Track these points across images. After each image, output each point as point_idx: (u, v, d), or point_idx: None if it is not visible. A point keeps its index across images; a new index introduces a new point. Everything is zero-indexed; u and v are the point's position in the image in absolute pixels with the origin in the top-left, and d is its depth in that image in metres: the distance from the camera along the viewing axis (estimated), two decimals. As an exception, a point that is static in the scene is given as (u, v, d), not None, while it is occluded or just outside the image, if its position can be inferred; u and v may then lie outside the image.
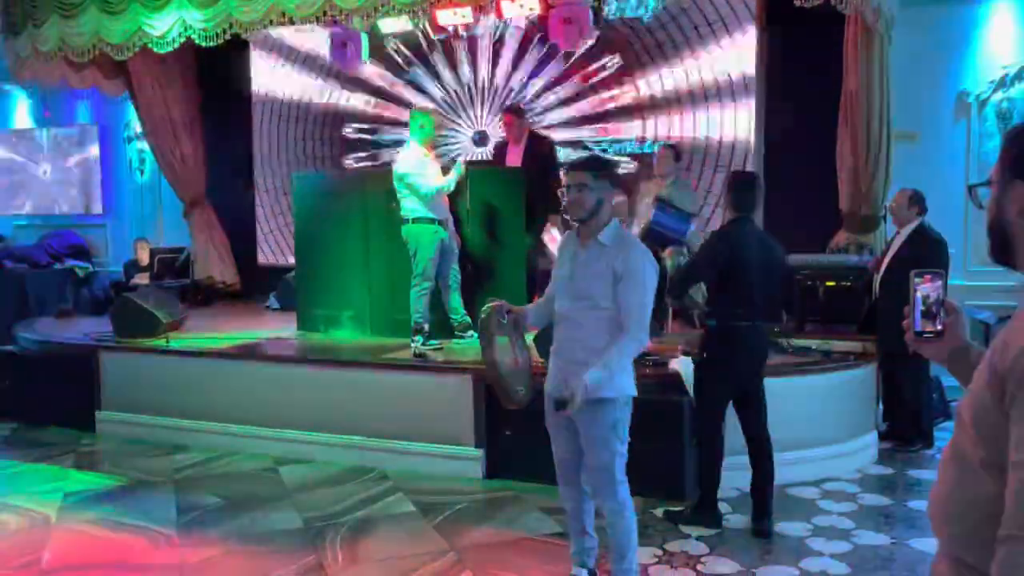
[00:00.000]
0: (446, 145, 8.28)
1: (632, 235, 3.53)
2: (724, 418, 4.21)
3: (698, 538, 4.08)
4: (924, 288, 1.47)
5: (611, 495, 3.19)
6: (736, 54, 7.21)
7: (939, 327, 1.48)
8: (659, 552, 3.90)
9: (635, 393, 3.20)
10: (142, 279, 8.66)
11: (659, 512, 4.36)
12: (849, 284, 5.93)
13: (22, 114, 11.13)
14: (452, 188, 5.77)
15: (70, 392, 6.35)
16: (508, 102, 7.91)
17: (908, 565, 3.79)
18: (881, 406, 5.65)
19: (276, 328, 7.07)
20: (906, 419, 5.53)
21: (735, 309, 4.04)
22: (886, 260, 5.56)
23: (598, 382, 2.99)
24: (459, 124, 8.38)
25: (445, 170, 5.94)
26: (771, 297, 4.23)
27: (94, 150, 10.46)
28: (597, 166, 3.26)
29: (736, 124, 7.26)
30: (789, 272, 5.05)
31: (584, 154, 7.47)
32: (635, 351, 3.15)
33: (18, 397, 6.61)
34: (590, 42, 7.52)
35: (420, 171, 5.66)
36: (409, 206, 5.70)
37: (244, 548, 4.09)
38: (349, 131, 8.89)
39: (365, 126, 8.83)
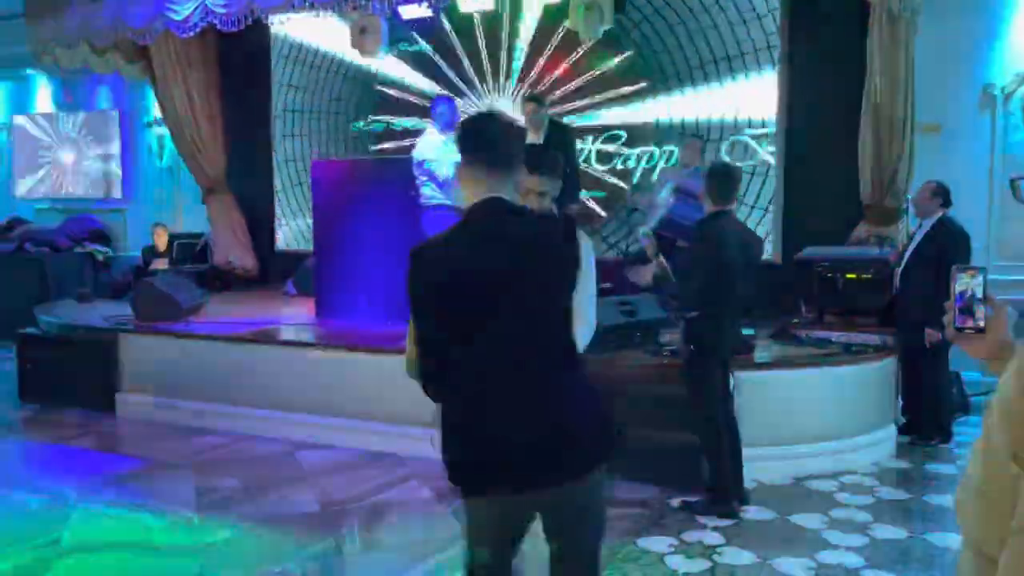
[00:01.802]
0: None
1: None
2: (719, 406, 4.21)
3: (714, 528, 4.08)
4: (965, 282, 1.45)
5: None
6: (758, 43, 7.15)
7: (980, 323, 1.46)
8: (675, 542, 3.90)
9: None
10: (161, 264, 8.72)
11: (675, 502, 4.35)
12: (870, 276, 5.89)
13: (44, 98, 11.21)
14: None
15: (90, 374, 6.41)
16: (528, 90, 7.89)
17: (925, 559, 3.77)
18: (900, 400, 5.61)
19: (294, 313, 7.11)
20: (925, 413, 5.49)
21: (719, 300, 4.07)
22: (907, 253, 5.52)
23: None
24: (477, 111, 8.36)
25: None
26: (749, 287, 4.26)
27: (115, 135, 10.52)
28: (548, 167, 2.93)
29: (762, 114, 7.21)
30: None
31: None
32: None
33: (40, 379, 6.70)
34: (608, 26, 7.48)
35: (438, 157, 5.66)
36: (428, 192, 5.71)
37: (262, 530, 4.13)
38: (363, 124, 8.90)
39: (383, 118, 8.84)
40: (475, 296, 2.04)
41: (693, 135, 6.96)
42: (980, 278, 1.45)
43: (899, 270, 5.55)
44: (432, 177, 5.64)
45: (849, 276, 5.92)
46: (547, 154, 2.73)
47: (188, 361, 6.08)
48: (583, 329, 2.33)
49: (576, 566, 2.22)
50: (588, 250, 2.48)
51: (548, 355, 2.10)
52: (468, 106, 8.30)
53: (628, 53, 7.63)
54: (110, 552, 3.92)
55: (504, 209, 2.11)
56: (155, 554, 3.89)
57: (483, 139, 2.13)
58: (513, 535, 2.18)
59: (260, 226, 9.50)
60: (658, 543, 3.89)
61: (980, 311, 1.45)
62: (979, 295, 1.45)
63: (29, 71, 10.75)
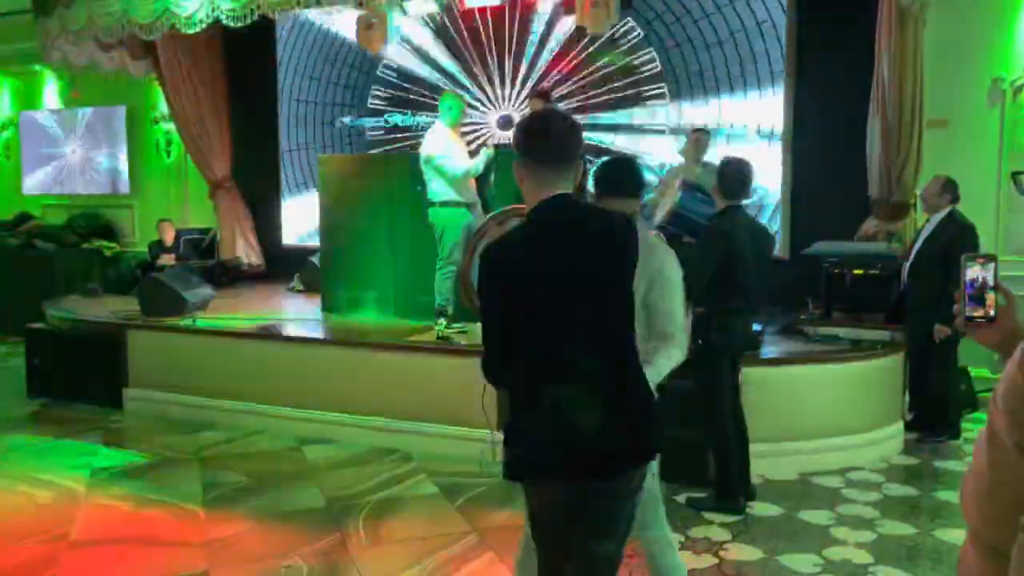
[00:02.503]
0: (472, 128, 8.25)
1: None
2: (727, 402, 4.19)
3: (721, 524, 4.07)
4: (975, 272, 1.43)
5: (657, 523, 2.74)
6: (765, 38, 7.13)
7: (991, 311, 1.44)
8: (681, 538, 3.89)
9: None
10: (168, 259, 8.73)
11: (682, 499, 4.34)
12: (878, 272, 5.86)
13: (52, 95, 11.23)
14: (480, 171, 5.75)
15: (98, 370, 6.43)
16: (535, 86, 7.87)
17: (933, 555, 3.75)
18: (908, 396, 5.59)
19: (300, 309, 7.12)
20: (933, 409, 5.47)
21: (730, 296, 4.07)
22: (915, 248, 5.49)
23: None
24: (485, 107, 8.35)
25: (473, 154, 5.93)
26: (760, 283, 4.24)
27: (122, 131, 10.54)
28: (629, 190, 2.75)
29: (765, 110, 7.19)
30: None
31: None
32: None
33: (48, 374, 6.72)
34: (615, 22, 7.46)
35: (447, 153, 5.64)
36: (435, 188, 5.69)
37: (268, 525, 4.14)
38: (374, 128, 8.89)
39: (390, 110, 8.83)
40: (550, 291, 2.11)
41: (698, 128, 6.93)
42: (991, 266, 1.43)
43: (907, 265, 5.52)
44: (441, 173, 5.62)
45: (857, 272, 5.89)
46: (626, 176, 2.66)
47: (195, 356, 6.09)
48: (678, 337, 2.62)
49: (606, 555, 2.24)
50: (673, 262, 2.67)
51: (613, 347, 2.18)
52: (475, 101, 8.30)
53: (644, 56, 7.61)
54: (118, 546, 3.92)
55: (572, 206, 2.21)
56: (162, 548, 3.90)
57: (550, 138, 2.18)
58: (574, 521, 2.19)
59: (266, 222, 9.52)
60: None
61: (991, 299, 1.43)
62: (990, 283, 1.43)
63: (37, 67, 10.77)
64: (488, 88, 8.34)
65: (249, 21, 6.59)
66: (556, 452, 2.10)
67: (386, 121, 8.82)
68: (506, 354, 2.14)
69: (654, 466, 2.60)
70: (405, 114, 8.72)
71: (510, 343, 2.13)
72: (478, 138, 8.15)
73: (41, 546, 3.91)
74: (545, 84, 7.81)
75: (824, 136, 6.87)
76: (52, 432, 5.85)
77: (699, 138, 6.50)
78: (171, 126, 9.71)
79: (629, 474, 2.18)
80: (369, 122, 8.90)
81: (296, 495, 4.55)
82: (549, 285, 2.10)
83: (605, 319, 2.16)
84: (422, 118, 8.52)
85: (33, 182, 11.23)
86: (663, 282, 2.69)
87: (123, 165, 10.59)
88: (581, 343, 2.13)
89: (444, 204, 5.67)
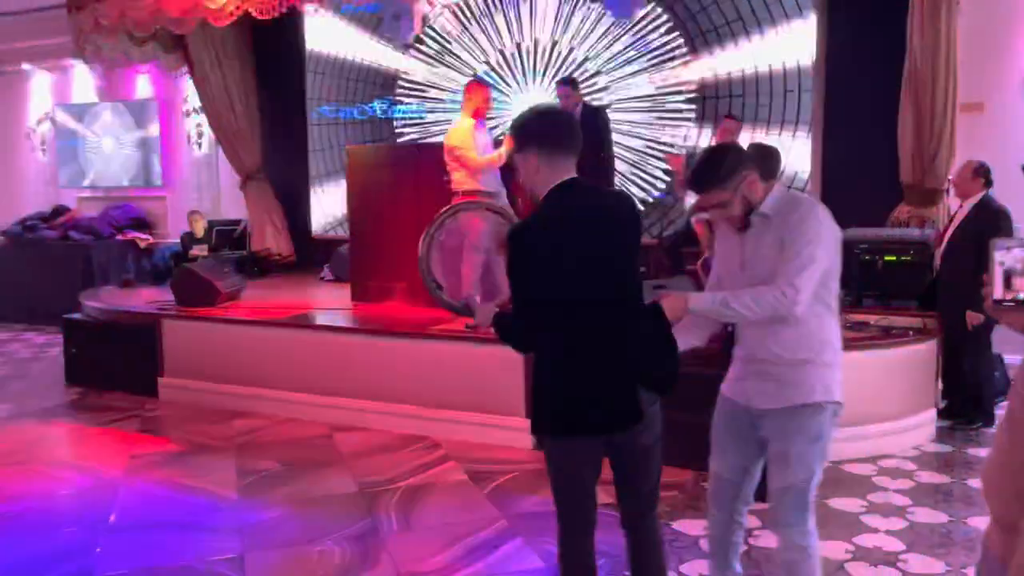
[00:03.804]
0: (498, 116, 8.26)
1: None
2: None
3: (750, 511, 4.05)
4: (1004, 255, 1.43)
5: (799, 523, 2.57)
6: (797, 24, 7.05)
7: (1020, 295, 1.43)
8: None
9: (842, 400, 2.59)
10: (200, 250, 8.86)
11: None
12: (910, 258, 5.79)
13: (84, 89, 11.41)
14: (502, 161, 5.74)
15: (134, 359, 6.55)
16: (562, 73, 7.86)
17: (966, 543, 3.72)
18: (941, 383, 5.53)
19: (330, 299, 7.19)
20: (966, 396, 5.41)
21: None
22: (948, 234, 5.42)
23: (702, 305, 2.51)
24: (509, 96, 8.35)
25: (499, 143, 5.92)
26: None
27: (154, 124, 10.69)
28: (714, 181, 2.55)
29: (799, 94, 7.11)
30: None
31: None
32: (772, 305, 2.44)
33: (85, 363, 6.87)
34: (645, 10, 7.44)
35: (468, 144, 5.64)
36: (458, 178, 5.71)
37: (301, 511, 4.21)
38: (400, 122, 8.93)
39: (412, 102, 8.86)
40: (574, 267, 2.35)
41: (729, 115, 6.89)
42: (1020, 251, 1.43)
43: (940, 251, 5.45)
44: (463, 163, 5.63)
45: (889, 258, 5.83)
46: (710, 168, 2.56)
47: (227, 345, 6.18)
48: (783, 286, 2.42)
49: (641, 496, 2.56)
50: (817, 216, 2.50)
51: (626, 311, 2.42)
52: (499, 91, 8.30)
53: (672, 42, 7.56)
54: (155, 531, 4.01)
55: (585, 189, 2.45)
56: (198, 532, 3.99)
57: (561, 130, 2.44)
58: (596, 473, 2.49)
59: (296, 212, 9.61)
60: (693, 526, 3.89)
61: (1020, 283, 1.43)
62: (1019, 267, 1.43)
63: (70, 62, 10.94)
64: (511, 76, 8.33)
65: (278, 13, 6.64)
66: (581, 408, 2.38)
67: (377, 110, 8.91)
68: (533, 324, 2.40)
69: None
70: (392, 104, 8.80)
71: (537, 314, 2.38)
72: (503, 124, 8.16)
73: (84, 530, 4.01)
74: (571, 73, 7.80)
75: (855, 121, 6.79)
76: (90, 420, 5.99)
77: (728, 126, 6.46)
78: (202, 118, 9.83)
79: (648, 423, 2.43)
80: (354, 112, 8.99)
81: (328, 481, 4.62)
82: (574, 261, 2.35)
83: (620, 287, 2.42)
84: (411, 106, 8.59)
85: (68, 175, 11.42)
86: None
87: (156, 158, 10.74)
88: (601, 310, 2.37)
89: (467, 193, 5.69)
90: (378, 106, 9.01)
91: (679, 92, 7.61)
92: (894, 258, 5.81)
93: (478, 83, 6.18)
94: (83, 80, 11.36)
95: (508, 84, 8.34)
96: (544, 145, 2.40)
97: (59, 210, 10.94)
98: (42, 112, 11.70)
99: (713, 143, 6.93)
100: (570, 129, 2.46)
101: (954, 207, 5.75)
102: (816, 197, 7.06)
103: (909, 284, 5.78)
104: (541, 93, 8.15)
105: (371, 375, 5.59)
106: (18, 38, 10.99)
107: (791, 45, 7.11)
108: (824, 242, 2.48)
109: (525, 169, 2.45)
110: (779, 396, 2.54)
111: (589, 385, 2.39)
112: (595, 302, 2.37)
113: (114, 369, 6.65)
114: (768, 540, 3.75)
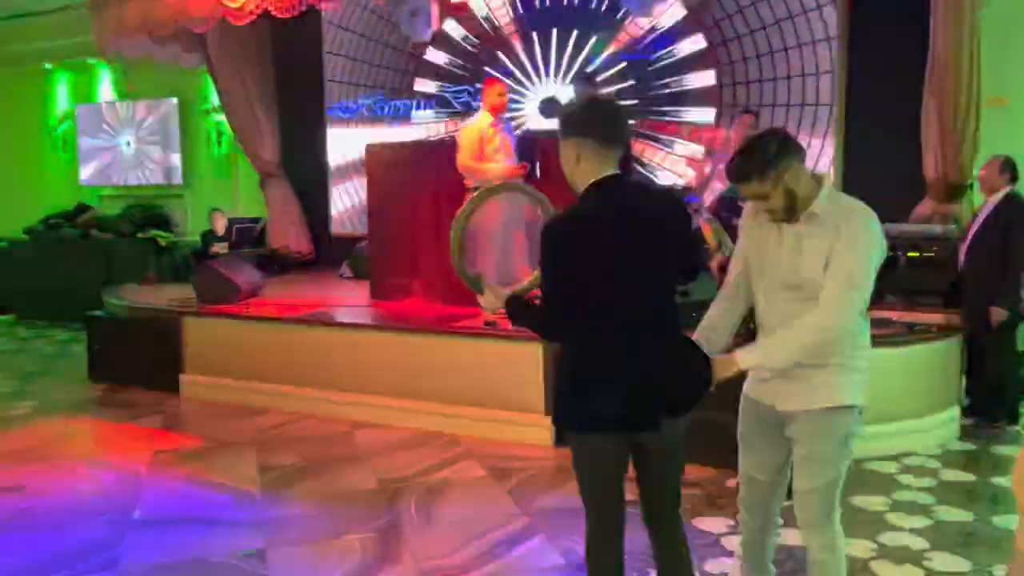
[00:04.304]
0: (515, 112, 8.24)
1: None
2: None
3: (772, 509, 4.04)
4: None
5: (826, 523, 2.55)
6: (819, 16, 7.00)
7: None
8: (732, 523, 3.88)
9: (866, 403, 2.55)
10: (220, 248, 8.91)
11: (733, 483, 4.32)
12: (933, 255, 5.74)
13: (106, 87, 11.51)
14: (488, 176, 5.37)
15: (156, 356, 6.61)
16: (579, 71, 7.85)
17: (991, 542, 3.69)
18: (965, 380, 5.47)
19: (350, 296, 7.22)
20: (990, 394, 5.35)
21: None
22: (973, 230, 5.36)
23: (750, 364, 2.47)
24: (526, 93, 8.34)
25: (525, 142, 5.84)
26: None
27: (174, 123, 10.77)
28: (757, 172, 2.41)
29: (818, 89, 7.06)
30: None
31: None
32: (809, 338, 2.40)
33: (107, 360, 6.94)
34: (668, 8, 7.42)
35: (468, 142, 5.57)
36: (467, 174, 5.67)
37: (322, 506, 4.23)
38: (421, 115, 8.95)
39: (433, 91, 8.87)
40: (616, 262, 2.29)
41: (746, 110, 6.85)
42: None
43: (964, 247, 5.39)
44: (459, 159, 5.58)
45: (912, 254, 5.77)
46: (747, 160, 2.42)
47: (248, 342, 6.22)
48: (827, 307, 2.34)
49: (664, 497, 2.52)
50: (864, 225, 2.37)
51: (665, 308, 2.40)
52: (516, 87, 8.29)
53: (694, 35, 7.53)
54: (178, 525, 4.05)
55: (628, 184, 2.41)
56: (220, 527, 4.01)
57: (618, 121, 2.37)
58: (624, 470, 2.45)
59: (315, 210, 9.65)
60: (715, 524, 3.88)
61: None
62: None
63: (92, 61, 11.04)
64: (530, 72, 8.32)
65: (297, 12, 6.67)
66: (614, 405, 2.31)
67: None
68: (569, 316, 2.31)
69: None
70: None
71: (573, 307, 2.30)
72: (519, 125, 8.15)
73: (108, 524, 4.05)
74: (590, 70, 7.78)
75: (878, 115, 6.73)
76: (114, 416, 6.04)
77: (747, 119, 6.43)
78: (222, 117, 9.89)
79: (673, 422, 2.39)
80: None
81: (348, 477, 4.64)
82: (611, 260, 2.28)
83: (659, 283, 2.37)
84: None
85: (89, 173, 11.53)
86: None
87: (176, 156, 10.82)
88: (641, 306, 2.33)
89: (476, 188, 5.66)
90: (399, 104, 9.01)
91: (696, 84, 7.57)
92: (917, 254, 5.75)
93: (492, 78, 6.16)
94: (105, 79, 11.46)
95: (528, 81, 8.33)
96: (592, 136, 2.31)
97: (81, 208, 11.05)
98: (64, 111, 11.82)
99: (731, 137, 6.89)
100: (616, 120, 2.35)
101: (979, 203, 5.69)
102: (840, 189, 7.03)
103: (933, 280, 5.73)
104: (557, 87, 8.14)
105: (391, 372, 5.61)
106: (41, 37, 11.12)
107: (813, 37, 7.05)
108: (875, 259, 2.40)
109: (568, 161, 2.37)
110: (806, 398, 2.49)
111: (618, 382, 2.32)
112: (630, 300, 2.32)
113: (136, 366, 6.71)
114: (791, 538, 3.73)
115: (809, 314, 2.37)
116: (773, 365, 2.47)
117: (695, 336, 2.56)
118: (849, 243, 2.35)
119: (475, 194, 2.86)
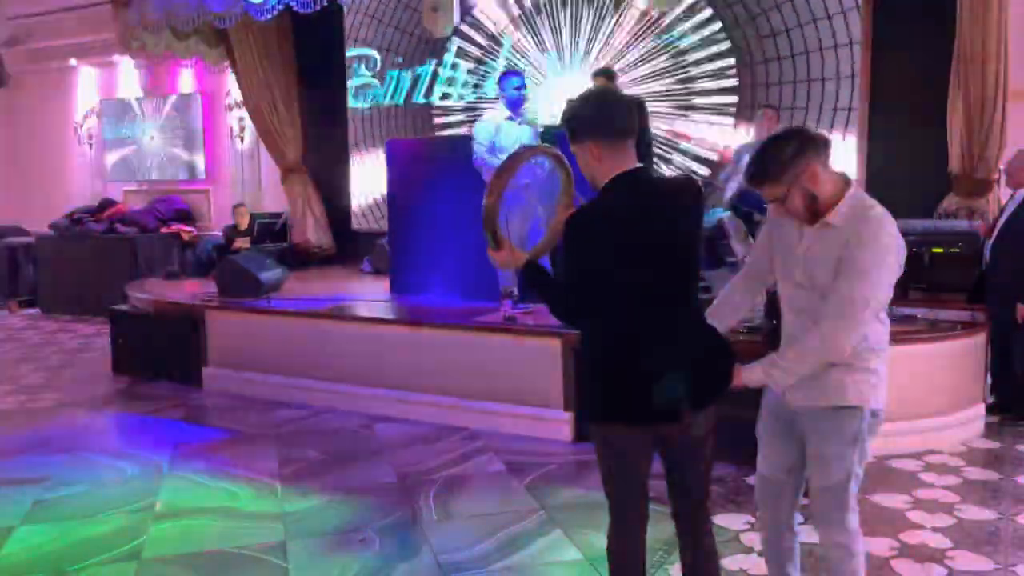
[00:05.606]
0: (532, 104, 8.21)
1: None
2: None
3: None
4: None
5: (839, 522, 2.53)
6: (842, 10, 6.92)
7: None
8: (751, 519, 3.86)
9: (881, 407, 2.52)
10: (243, 243, 8.98)
11: (751, 479, 4.29)
12: (958, 251, 5.66)
13: (130, 84, 11.61)
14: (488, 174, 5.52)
15: (178, 349, 6.67)
16: (599, 64, 7.81)
17: (1015, 541, 3.64)
18: (990, 378, 5.40)
19: (370, 291, 7.25)
20: (1016, 392, 5.28)
21: None
22: (998, 225, 5.28)
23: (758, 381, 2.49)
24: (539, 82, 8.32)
25: (546, 136, 5.82)
26: None
27: (197, 118, 10.86)
28: (772, 173, 2.41)
29: (839, 82, 6.99)
30: None
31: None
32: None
33: (131, 353, 7.02)
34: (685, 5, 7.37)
35: (479, 136, 5.57)
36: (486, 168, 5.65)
37: (341, 499, 4.25)
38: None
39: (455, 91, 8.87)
40: (636, 255, 2.28)
41: (767, 105, 6.79)
42: None
43: (989, 243, 5.32)
44: (480, 153, 5.57)
45: (936, 250, 5.70)
46: (761, 163, 2.40)
47: (270, 336, 6.26)
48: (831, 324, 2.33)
49: (691, 493, 2.49)
50: (882, 240, 2.33)
51: (686, 300, 2.39)
52: (536, 79, 8.27)
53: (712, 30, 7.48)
54: (200, 517, 4.09)
55: (648, 178, 2.45)
56: (241, 520, 4.05)
57: (631, 115, 2.34)
58: (648, 464, 2.42)
59: (337, 205, 9.69)
60: (734, 520, 3.86)
61: None
62: None
63: (116, 57, 11.15)
64: (549, 64, 8.30)
65: (318, 7, 6.69)
66: (634, 396, 2.30)
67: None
68: (585, 305, 2.32)
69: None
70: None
71: (591, 298, 2.30)
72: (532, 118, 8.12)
73: (130, 515, 4.10)
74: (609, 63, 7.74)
75: (903, 110, 6.65)
76: (137, 408, 6.11)
77: (768, 115, 6.37)
78: (244, 113, 9.95)
79: (697, 416, 2.37)
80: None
81: (368, 471, 4.66)
82: (637, 250, 2.27)
83: (681, 276, 2.36)
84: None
85: (114, 169, 11.65)
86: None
87: (199, 152, 10.91)
88: (662, 298, 2.32)
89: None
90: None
91: (717, 77, 7.52)
92: (942, 250, 5.68)
93: (506, 72, 6.13)
94: (128, 75, 11.57)
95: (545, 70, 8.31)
96: (602, 133, 2.29)
97: (105, 203, 11.18)
98: (89, 107, 11.94)
99: (751, 134, 6.84)
100: (626, 111, 2.34)
101: (1004, 197, 5.61)
102: (862, 188, 6.96)
103: (957, 277, 5.65)
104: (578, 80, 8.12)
105: (411, 366, 5.63)
106: (65, 34, 11.25)
107: (836, 32, 6.97)
108: (887, 267, 2.35)
109: (583, 159, 2.34)
110: (812, 395, 2.47)
111: (639, 373, 2.30)
112: (650, 292, 2.31)
113: (159, 359, 6.78)
114: (811, 535, 3.70)
115: (811, 335, 2.38)
116: (776, 384, 2.47)
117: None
118: (858, 252, 2.33)
119: (520, 150, 2.78)
